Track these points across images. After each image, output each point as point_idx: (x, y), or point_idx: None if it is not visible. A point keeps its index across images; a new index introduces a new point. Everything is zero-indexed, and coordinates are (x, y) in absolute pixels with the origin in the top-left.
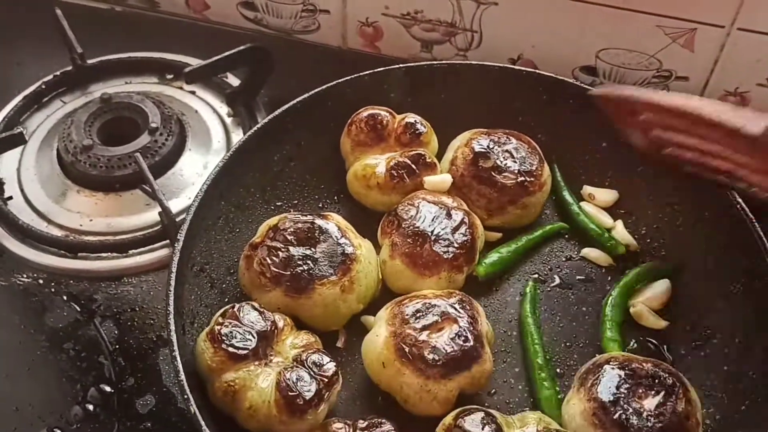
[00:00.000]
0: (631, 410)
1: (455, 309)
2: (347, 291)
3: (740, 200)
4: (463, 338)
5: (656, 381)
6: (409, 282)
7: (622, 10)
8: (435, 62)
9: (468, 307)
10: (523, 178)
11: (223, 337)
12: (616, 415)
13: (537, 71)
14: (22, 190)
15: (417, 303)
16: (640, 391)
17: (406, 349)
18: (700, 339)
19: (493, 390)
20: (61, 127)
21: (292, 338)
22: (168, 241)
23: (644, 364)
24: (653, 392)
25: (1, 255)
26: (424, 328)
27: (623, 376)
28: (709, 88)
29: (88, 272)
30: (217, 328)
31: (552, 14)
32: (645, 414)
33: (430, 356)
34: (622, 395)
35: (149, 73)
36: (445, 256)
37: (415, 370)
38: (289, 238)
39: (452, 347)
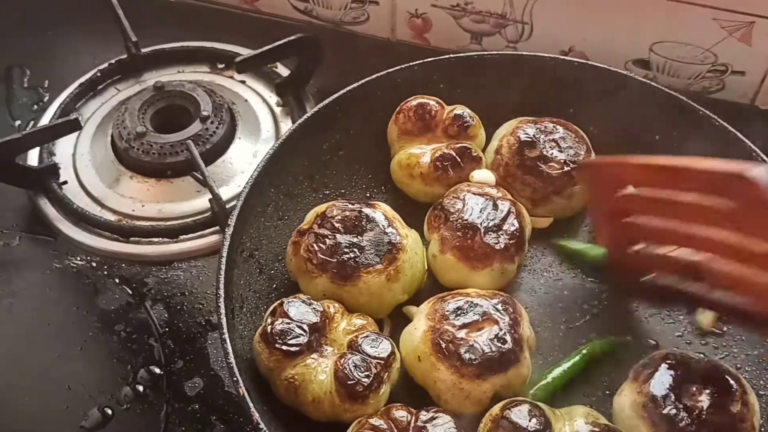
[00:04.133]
0: (681, 407)
1: (497, 310)
2: (392, 280)
3: None
4: (501, 340)
5: (713, 381)
6: (461, 275)
7: (677, 2)
8: (485, 53)
9: (511, 310)
10: (569, 168)
11: (276, 337)
12: (666, 410)
13: (590, 62)
14: (77, 175)
15: (459, 300)
16: (695, 389)
17: (443, 345)
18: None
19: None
20: (115, 115)
21: (345, 323)
22: (218, 227)
23: (703, 364)
24: (708, 392)
25: (55, 238)
26: (464, 326)
27: (679, 372)
28: (767, 83)
29: (139, 256)
30: (268, 328)
31: (605, 6)
32: (696, 412)
33: (466, 355)
34: (675, 392)
35: (201, 63)
36: (497, 247)
37: (450, 366)
38: (336, 225)
39: (490, 348)
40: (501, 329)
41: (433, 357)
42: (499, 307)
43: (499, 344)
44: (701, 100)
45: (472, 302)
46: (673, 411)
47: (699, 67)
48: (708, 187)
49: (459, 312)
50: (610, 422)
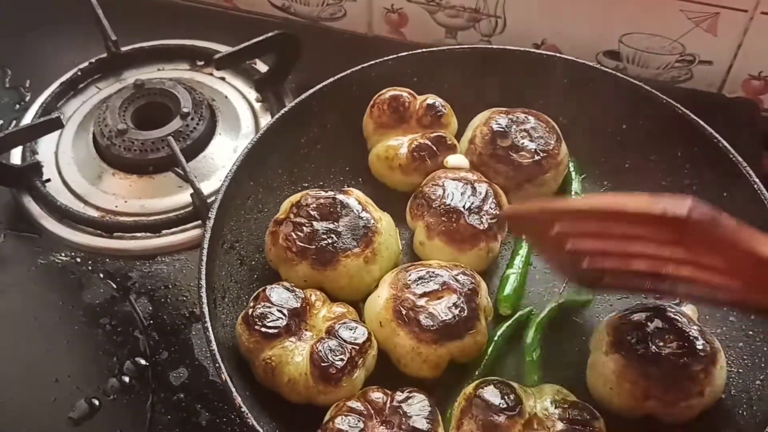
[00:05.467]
0: (648, 340)
1: (456, 280)
2: (370, 262)
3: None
4: (459, 308)
5: (687, 338)
6: (450, 258)
7: None
8: (457, 46)
9: (470, 280)
10: (539, 157)
11: (255, 319)
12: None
13: (558, 55)
14: (59, 173)
15: (421, 270)
16: (667, 336)
17: (403, 312)
18: None
19: (512, 366)
20: (96, 112)
21: (325, 311)
22: (199, 221)
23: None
24: (678, 344)
25: (40, 235)
26: (424, 294)
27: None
28: (733, 72)
29: (123, 251)
30: (249, 311)
31: None
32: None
33: (425, 321)
34: (647, 329)
35: (180, 60)
36: (481, 228)
37: (409, 332)
38: (312, 213)
39: (447, 315)
40: (459, 298)
41: (393, 323)
42: (459, 277)
43: (457, 312)
44: (670, 89)
45: (433, 272)
46: (638, 337)
47: (667, 57)
48: (639, 223)
49: (420, 281)
50: (579, 399)
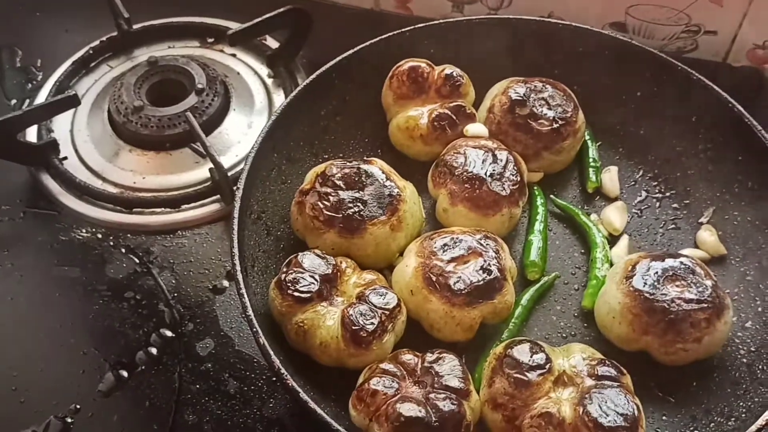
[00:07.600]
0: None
1: (481, 244)
2: (396, 230)
3: None
4: (487, 271)
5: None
6: (473, 224)
7: None
8: (474, 17)
9: (493, 243)
10: (558, 125)
11: (288, 284)
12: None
13: (574, 24)
14: (76, 151)
15: (445, 237)
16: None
17: (433, 279)
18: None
19: (536, 327)
20: (110, 90)
21: (355, 278)
22: (218, 196)
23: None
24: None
25: (59, 212)
26: (451, 260)
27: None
28: (738, 41)
29: (143, 226)
30: (282, 276)
31: None
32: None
33: (456, 285)
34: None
35: (191, 38)
36: (503, 194)
37: (441, 297)
38: (337, 183)
39: (477, 278)
40: (485, 261)
41: (425, 290)
42: (482, 241)
43: (485, 274)
44: (676, 59)
45: (457, 238)
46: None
47: (673, 28)
48: None
49: (446, 248)
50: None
